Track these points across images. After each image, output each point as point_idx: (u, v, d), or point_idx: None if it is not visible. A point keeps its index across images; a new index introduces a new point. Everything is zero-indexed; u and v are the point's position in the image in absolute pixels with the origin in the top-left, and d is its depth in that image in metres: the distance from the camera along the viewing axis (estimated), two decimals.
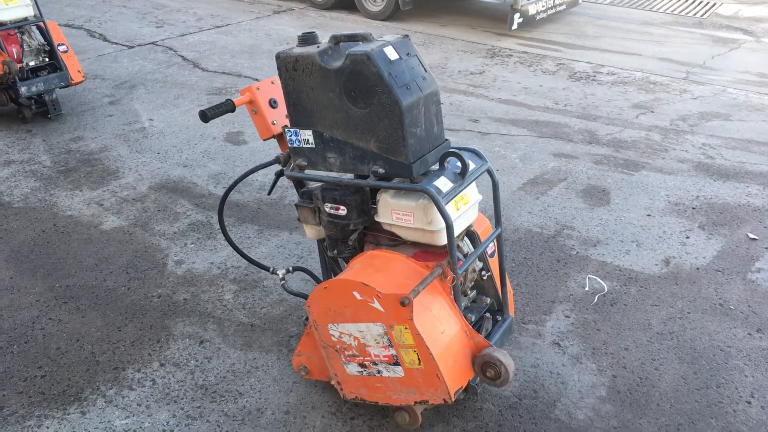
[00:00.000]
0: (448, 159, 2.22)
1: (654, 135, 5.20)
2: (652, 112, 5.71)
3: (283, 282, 2.48)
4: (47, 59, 4.89)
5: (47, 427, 2.36)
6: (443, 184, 2.12)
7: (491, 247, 2.49)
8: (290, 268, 2.55)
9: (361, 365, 2.16)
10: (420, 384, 2.05)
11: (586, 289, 3.25)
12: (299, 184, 2.48)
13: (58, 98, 5.09)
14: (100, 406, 2.45)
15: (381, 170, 2.15)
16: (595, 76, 6.62)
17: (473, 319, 2.36)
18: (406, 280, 2.03)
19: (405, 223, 2.19)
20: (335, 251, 2.40)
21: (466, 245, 2.43)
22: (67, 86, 4.94)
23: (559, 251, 3.57)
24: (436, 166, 2.22)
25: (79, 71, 4.98)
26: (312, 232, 2.48)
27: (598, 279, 3.32)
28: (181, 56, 6.75)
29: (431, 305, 2.04)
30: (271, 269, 2.54)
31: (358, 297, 2.02)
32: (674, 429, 2.43)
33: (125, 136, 4.87)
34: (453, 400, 2.02)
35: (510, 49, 7.52)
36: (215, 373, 2.64)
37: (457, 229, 2.26)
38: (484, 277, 2.49)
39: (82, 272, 3.26)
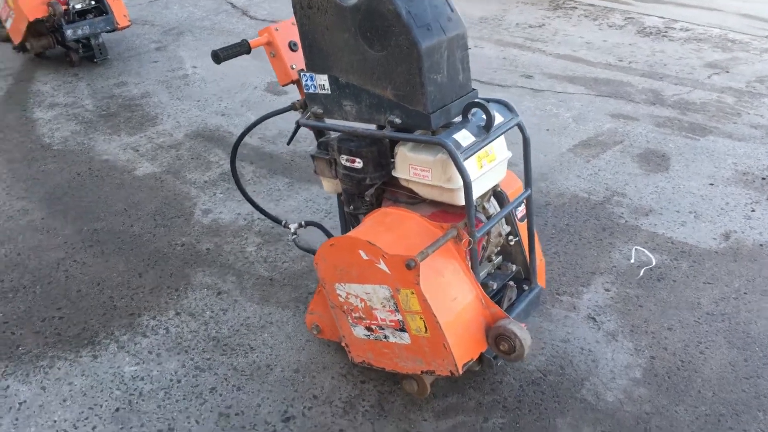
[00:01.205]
0: (474, 111, 2.01)
1: (727, 97, 4.73)
2: (728, 72, 5.20)
3: (294, 237, 2.37)
4: (93, 2, 4.87)
5: (58, 368, 2.37)
6: (464, 137, 1.92)
7: (521, 211, 2.29)
8: (303, 223, 2.43)
9: (368, 329, 2.03)
10: (426, 353, 1.91)
11: (632, 261, 2.99)
12: (319, 133, 2.33)
13: (105, 43, 5.10)
14: (112, 351, 2.44)
15: (398, 120, 1.97)
16: (666, 32, 6.09)
17: (495, 287, 2.19)
18: (417, 241, 1.87)
19: (423, 179, 2.01)
20: (351, 207, 2.25)
21: (493, 207, 2.24)
22: (113, 30, 4.93)
23: (606, 219, 3.31)
24: (459, 119, 2.02)
25: (125, 16, 4.95)
26: (329, 186, 2.34)
27: (646, 251, 3.05)
28: (230, 3, 6.65)
29: (443, 270, 1.88)
30: (283, 222, 2.43)
31: (364, 256, 1.88)
32: (714, 419, 2.20)
33: (168, 83, 4.83)
34: (460, 372, 1.88)
35: (575, 1, 7.02)
36: (229, 325, 2.58)
37: (481, 189, 2.07)
38: (512, 243, 2.29)
39: (111, 217, 3.26)
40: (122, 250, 3.01)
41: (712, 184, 3.62)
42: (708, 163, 3.85)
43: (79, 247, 3.02)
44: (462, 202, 1.94)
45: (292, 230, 2.37)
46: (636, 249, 3.07)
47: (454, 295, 1.87)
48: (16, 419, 2.18)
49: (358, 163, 2.12)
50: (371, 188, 2.18)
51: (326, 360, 2.41)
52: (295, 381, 2.32)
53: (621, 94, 4.80)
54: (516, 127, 2.12)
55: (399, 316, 1.90)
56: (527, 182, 2.19)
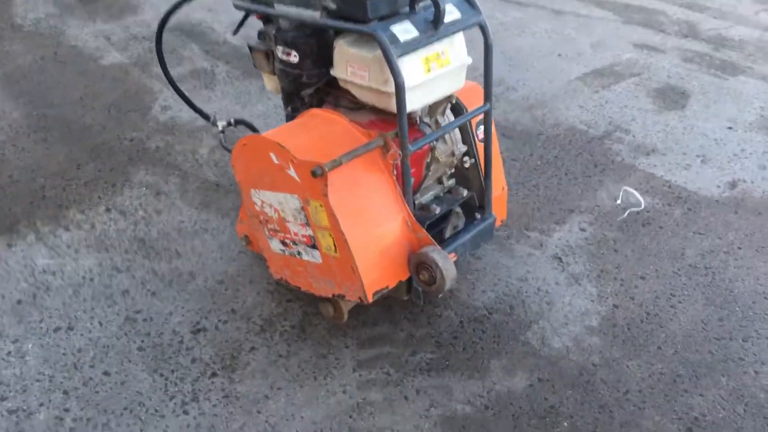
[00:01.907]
0: (426, 2, 1.70)
1: None
2: None
3: (221, 135, 2.13)
4: None
5: None
6: (404, 30, 1.62)
7: (482, 131, 2.00)
8: (232, 120, 2.18)
9: (283, 243, 1.82)
10: (336, 275, 1.69)
11: (618, 202, 2.69)
12: (266, 21, 2.04)
13: None
14: (29, 242, 2.29)
15: (332, 5, 1.67)
16: None
17: (437, 212, 1.93)
18: (335, 148, 1.61)
19: (360, 79, 1.73)
20: (290, 108, 1.99)
21: (447, 120, 1.95)
22: None
23: (600, 155, 2.98)
24: (406, 9, 1.70)
25: None
26: (270, 83, 2.07)
27: (636, 193, 2.74)
28: None
29: (363, 184, 1.63)
30: (211, 119, 2.18)
31: (275, 160, 1.63)
32: (669, 379, 1.96)
33: None
34: (369, 301, 1.66)
35: None
36: (160, 227, 2.39)
37: (428, 97, 1.78)
38: (466, 165, 2.02)
39: (65, 105, 3.05)
40: (67, 140, 2.82)
41: (730, 128, 3.23)
42: (731, 104, 3.43)
43: (22, 132, 2.84)
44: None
45: (220, 128, 2.13)
46: (625, 189, 2.75)
47: (372, 214, 1.63)
48: None
49: (294, 57, 1.84)
50: (309, 88, 1.91)
51: (255, 274, 2.22)
52: (216, 293, 2.15)
53: (651, 23, 4.31)
54: (478, 28, 1.79)
55: (310, 231, 1.68)
56: (487, 95, 1.89)
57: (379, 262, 1.64)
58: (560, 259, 2.38)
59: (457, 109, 1.97)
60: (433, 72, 1.72)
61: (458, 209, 1.97)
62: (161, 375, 1.87)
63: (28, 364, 1.88)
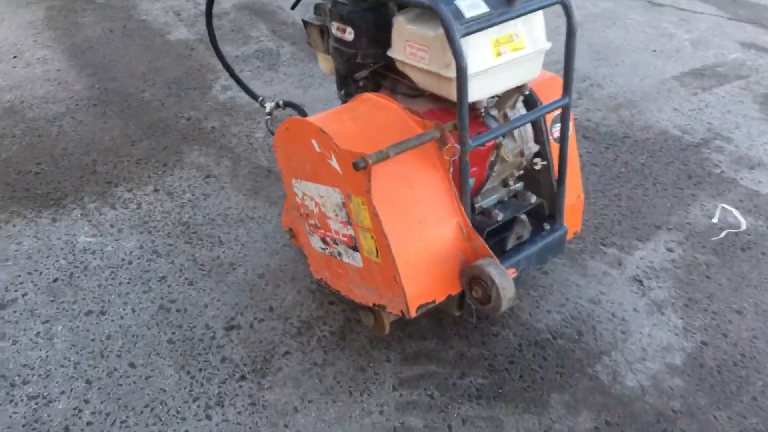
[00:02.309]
0: None
1: None
2: None
3: (268, 118, 1.96)
4: None
5: (13, 225, 2.17)
6: (471, 5, 1.39)
7: (559, 130, 1.74)
8: (281, 102, 2.01)
9: (323, 241, 1.63)
10: (378, 283, 1.49)
11: (714, 221, 2.35)
12: None
13: None
14: (74, 218, 2.22)
15: None
16: None
17: (500, 219, 1.69)
18: (385, 137, 1.41)
19: (419, 61, 1.52)
20: (343, 92, 1.80)
21: (517, 115, 1.71)
22: None
23: (695, 165, 2.63)
24: None
25: None
26: (325, 63, 1.88)
27: (736, 212, 2.39)
28: None
29: (413, 180, 1.42)
30: (260, 99, 2.02)
31: (317, 148, 1.45)
32: None
33: None
34: (413, 316, 1.45)
35: None
36: (206, 213, 2.27)
37: (495, 86, 1.55)
38: (537, 167, 1.77)
39: (127, 79, 3.00)
40: (124, 115, 2.75)
41: None
42: None
43: (82, 105, 2.80)
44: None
45: (267, 110, 1.97)
46: (723, 207, 2.40)
47: (422, 216, 1.41)
48: None
49: (349, 34, 1.64)
50: (364, 69, 1.71)
51: (297, 270, 2.05)
52: (254, 287, 2.00)
53: (762, 20, 3.85)
54: (560, 6, 1.53)
55: (351, 231, 1.48)
56: (566, 88, 1.63)
57: (426, 271, 1.43)
58: (641, 281, 2.08)
59: (531, 103, 1.72)
60: (503, 56, 1.49)
61: (524, 217, 1.73)
62: (188, 373, 1.74)
63: (55, 347, 1.79)
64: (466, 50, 1.36)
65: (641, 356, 1.85)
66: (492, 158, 1.64)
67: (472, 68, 1.41)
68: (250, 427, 1.62)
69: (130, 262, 2.06)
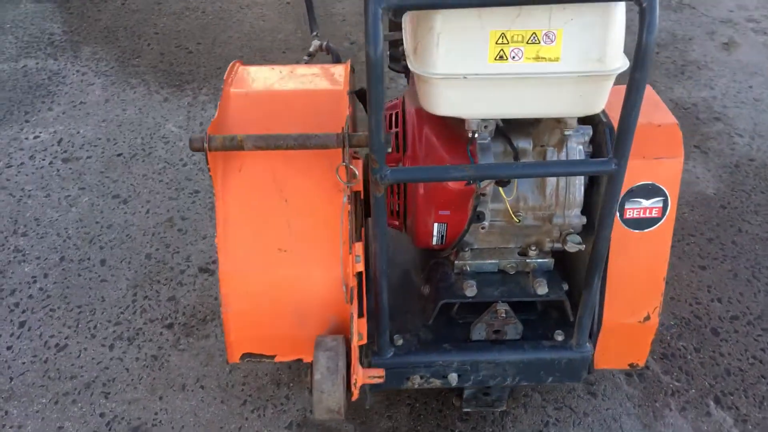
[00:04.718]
0: None
1: None
2: None
3: (306, 59, 1.54)
4: None
5: (135, 92, 2.27)
6: None
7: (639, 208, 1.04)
8: (324, 45, 1.56)
9: None
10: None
11: None
12: None
13: None
14: (181, 105, 2.21)
15: None
16: None
17: (468, 294, 1.11)
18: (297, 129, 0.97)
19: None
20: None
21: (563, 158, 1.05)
22: None
23: None
24: None
25: None
26: None
27: None
28: None
29: (296, 195, 0.98)
30: (314, 32, 1.61)
31: None
32: None
33: None
34: (230, 361, 1.05)
35: None
36: None
37: (492, 105, 0.98)
38: (570, 248, 1.09)
39: None
40: (302, 18, 2.64)
41: None
42: None
43: (276, 2, 2.77)
44: None
45: (311, 48, 1.53)
46: None
47: (286, 244, 0.97)
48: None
49: None
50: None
51: None
52: None
53: None
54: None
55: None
56: (619, 144, 0.91)
57: (270, 313, 1.01)
58: None
59: (595, 149, 1.04)
60: (509, 64, 0.88)
61: (504, 307, 1.10)
62: (134, 295, 1.65)
63: (68, 215, 1.85)
64: (434, 35, 0.82)
65: None
66: (476, 205, 1.05)
67: (440, 66, 0.87)
68: (133, 380, 1.46)
69: (185, 165, 2.01)
